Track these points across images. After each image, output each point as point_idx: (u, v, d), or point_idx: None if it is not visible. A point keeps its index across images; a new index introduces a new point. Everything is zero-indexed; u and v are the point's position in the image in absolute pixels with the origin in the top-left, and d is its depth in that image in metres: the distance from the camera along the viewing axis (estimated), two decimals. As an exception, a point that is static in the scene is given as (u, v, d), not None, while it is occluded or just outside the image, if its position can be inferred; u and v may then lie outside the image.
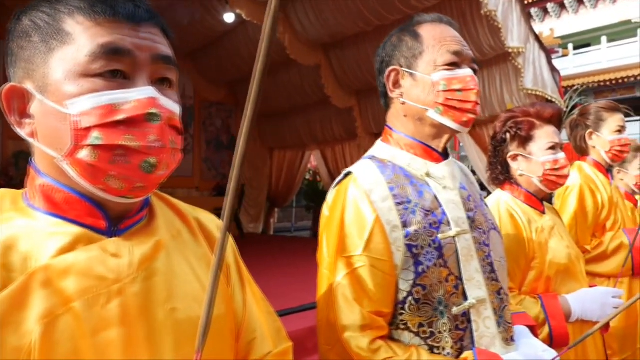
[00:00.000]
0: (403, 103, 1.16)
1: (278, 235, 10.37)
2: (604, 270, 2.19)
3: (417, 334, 1.03)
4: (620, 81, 16.05)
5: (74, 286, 0.63)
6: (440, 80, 1.11)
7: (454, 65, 1.12)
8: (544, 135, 1.61)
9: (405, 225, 1.04)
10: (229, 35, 8.37)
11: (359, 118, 7.83)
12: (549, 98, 5.65)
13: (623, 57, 16.98)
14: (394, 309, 1.04)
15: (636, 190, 2.94)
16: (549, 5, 20.51)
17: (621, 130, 2.32)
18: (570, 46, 18.62)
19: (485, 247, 1.12)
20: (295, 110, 9.12)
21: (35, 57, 0.67)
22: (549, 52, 5.77)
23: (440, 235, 1.05)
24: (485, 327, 1.06)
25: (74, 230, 0.67)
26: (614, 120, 2.33)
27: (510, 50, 5.46)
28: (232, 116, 10.67)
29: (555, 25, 19.48)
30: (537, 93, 5.58)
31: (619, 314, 1.44)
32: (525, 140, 1.64)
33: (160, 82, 0.72)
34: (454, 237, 1.07)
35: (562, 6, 20.39)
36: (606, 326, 1.74)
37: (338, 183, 1.13)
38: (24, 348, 0.59)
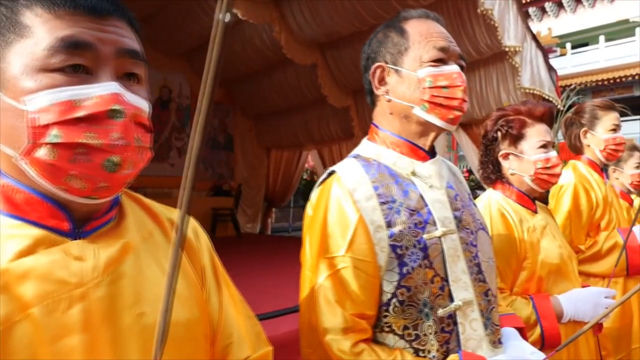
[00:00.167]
0: (389, 100, 1.13)
1: (275, 235, 10.35)
2: (598, 270, 2.16)
3: (401, 337, 1.00)
4: (618, 80, 16.04)
5: (32, 291, 0.61)
6: (426, 77, 1.08)
7: (440, 61, 1.09)
8: (535, 133, 1.59)
9: (389, 225, 1.02)
10: (225, 35, 8.30)
11: (356, 117, 7.81)
12: (546, 97, 5.63)
13: (621, 56, 16.97)
14: (378, 311, 1.01)
15: (632, 190, 2.92)
16: (547, 5, 20.51)
17: (616, 128, 2.30)
18: (568, 45, 18.61)
19: (472, 248, 1.09)
20: (292, 109, 9.09)
21: None
22: (545, 51, 5.75)
23: (425, 236, 1.03)
24: (471, 329, 1.03)
25: (35, 232, 0.65)
26: (608, 119, 2.30)
27: (506, 49, 5.44)
28: (229, 116, 10.64)
29: (553, 25, 19.46)
30: (535, 92, 5.56)
31: (608, 313, 1.41)
32: (516, 138, 1.61)
33: (126, 78, 0.69)
34: (439, 237, 1.04)
35: (560, 5, 20.38)
36: (599, 326, 1.71)
37: (322, 182, 1.11)
38: None
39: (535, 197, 1.72)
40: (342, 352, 0.95)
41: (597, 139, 2.31)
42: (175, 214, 0.86)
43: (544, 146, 1.59)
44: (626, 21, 18.36)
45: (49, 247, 0.64)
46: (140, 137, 0.67)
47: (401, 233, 1.01)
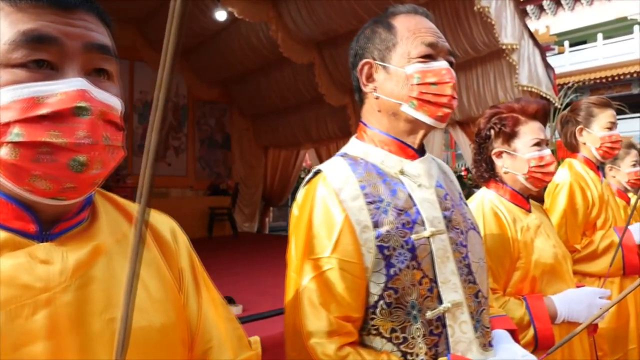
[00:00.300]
0: (377, 97, 1.11)
1: (273, 234, 10.32)
2: (595, 269, 2.14)
3: (389, 340, 0.98)
4: (616, 78, 16.01)
5: None
6: (414, 73, 1.05)
7: (428, 57, 1.07)
8: (529, 131, 1.56)
9: (376, 225, 0.99)
10: (222, 34, 8.33)
11: (353, 116, 7.78)
12: (544, 95, 5.61)
13: (619, 54, 16.94)
14: (364, 313, 0.99)
15: (628, 188, 2.90)
16: (545, 3, 20.48)
17: (612, 126, 2.27)
18: (566, 43, 18.58)
19: (462, 248, 1.07)
20: (290, 108, 9.08)
21: None
22: (543, 49, 5.73)
23: (413, 236, 1.00)
24: (461, 332, 1.01)
25: None
26: (604, 116, 2.27)
27: (504, 47, 5.41)
28: (226, 115, 10.61)
29: (551, 23, 19.45)
30: (532, 90, 5.54)
31: (602, 314, 1.39)
32: (509, 136, 1.59)
33: (95, 74, 0.66)
34: (428, 237, 1.01)
35: (558, 3, 20.35)
36: (593, 327, 1.69)
37: (307, 182, 1.08)
38: None
39: (531, 196, 1.69)
40: (327, 355, 0.92)
41: (593, 137, 2.28)
42: (154, 215, 0.83)
43: (537, 144, 1.56)
44: (624, 19, 18.34)
45: (14, 250, 0.62)
46: (109, 136, 0.64)
47: (388, 233, 0.99)
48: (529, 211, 1.63)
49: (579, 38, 19.44)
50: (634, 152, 2.89)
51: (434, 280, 1.00)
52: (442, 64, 1.07)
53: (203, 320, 0.80)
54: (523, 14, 5.68)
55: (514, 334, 1.18)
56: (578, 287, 1.61)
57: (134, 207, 0.81)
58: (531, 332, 1.43)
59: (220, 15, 7.46)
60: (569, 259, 1.65)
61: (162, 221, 0.83)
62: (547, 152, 1.56)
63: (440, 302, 1.00)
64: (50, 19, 0.61)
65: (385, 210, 1.01)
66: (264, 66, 8.69)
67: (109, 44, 0.68)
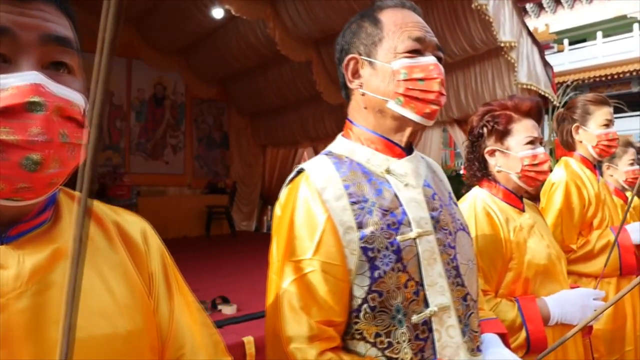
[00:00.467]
0: (363, 94, 1.07)
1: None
2: (591, 270, 2.11)
3: (373, 345, 0.94)
4: (616, 76, 15.96)
5: None
6: (401, 69, 1.02)
7: (415, 52, 1.03)
8: (522, 129, 1.53)
9: (360, 226, 0.96)
10: (219, 32, 8.30)
11: (351, 114, 7.74)
12: (542, 93, 5.57)
13: (618, 53, 16.89)
14: (348, 317, 0.95)
15: (626, 187, 2.86)
16: (544, 1, 20.42)
17: (609, 124, 2.23)
18: (566, 41, 18.52)
19: (450, 250, 1.03)
20: (288, 107, 9.05)
21: None
22: (541, 47, 5.70)
23: (399, 237, 0.97)
24: (448, 336, 0.97)
25: None
26: (601, 114, 2.24)
27: (502, 45, 5.38)
28: (224, 113, 10.57)
29: (550, 21, 19.38)
30: (531, 87, 5.51)
31: (597, 316, 1.36)
32: (502, 134, 1.55)
33: (54, 67, 0.63)
34: (414, 238, 0.98)
35: (557, 1, 20.29)
36: (588, 329, 1.66)
37: (290, 181, 1.05)
38: None
39: (527, 195, 1.66)
40: None
41: (589, 135, 2.25)
42: (123, 215, 0.79)
43: (531, 142, 1.53)
44: (624, 17, 18.28)
45: None
46: (67, 133, 0.60)
47: (373, 234, 0.95)
48: (523, 211, 1.59)
49: (579, 36, 19.38)
50: (631, 150, 2.86)
51: (420, 283, 0.97)
52: (429, 59, 1.03)
53: (175, 326, 0.77)
54: (522, 12, 5.64)
55: (504, 338, 1.14)
56: (572, 288, 1.58)
57: (103, 209, 0.77)
58: (523, 334, 1.39)
59: (218, 13, 7.43)
60: (563, 259, 1.61)
61: (132, 222, 0.79)
62: (540, 150, 1.53)
63: (427, 305, 0.97)
64: (3, 9, 0.58)
65: (370, 210, 0.98)
66: (262, 64, 8.66)
67: (70, 36, 0.65)
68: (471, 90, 6.18)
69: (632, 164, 2.81)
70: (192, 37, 8.57)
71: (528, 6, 20.31)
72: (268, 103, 9.38)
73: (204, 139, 10.32)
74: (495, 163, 1.58)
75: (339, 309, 0.94)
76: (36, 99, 0.57)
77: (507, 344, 1.14)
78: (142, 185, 9.08)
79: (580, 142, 2.29)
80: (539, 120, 1.56)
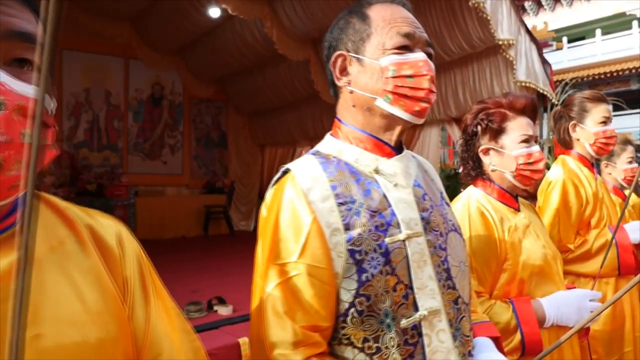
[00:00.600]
0: (351, 92, 1.05)
1: (270, 232, 10.26)
2: (589, 270, 2.07)
3: (361, 350, 0.92)
4: (615, 74, 15.92)
5: None
6: (389, 66, 0.99)
7: (404, 48, 1.00)
8: (517, 127, 1.50)
9: (347, 228, 0.93)
10: (216, 31, 8.28)
11: (349, 113, 7.72)
12: (541, 91, 5.55)
13: (618, 50, 16.85)
14: (335, 321, 0.92)
15: (624, 185, 2.83)
16: (543, -2, 20.40)
17: (606, 121, 2.20)
18: (565, 39, 18.48)
19: (441, 251, 1.00)
20: (286, 106, 9.04)
21: None
22: (539, 44, 5.67)
23: (387, 239, 0.94)
24: (438, 341, 0.95)
25: None
26: (598, 111, 2.20)
27: (500, 43, 5.35)
28: (222, 113, 10.55)
29: (549, 19, 19.34)
30: (530, 85, 5.49)
31: (594, 318, 1.33)
32: (497, 132, 1.52)
33: (17, 64, 0.60)
34: (403, 240, 0.95)
35: (556, -1, 20.28)
36: (585, 331, 1.63)
37: (276, 181, 1.02)
38: None
39: (526, 193, 1.63)
40: None
41: (586, 133, 2.22)
42: (98, 219, 0.76)
43: (526, 140, 1.50)
44: (623, 14, 18.24)
45: None
46: (29, 133, 0.57)
47: (360, 236, 0.92)
48: (518, 210, 1.56)
49: (578, 34, 19.34)
50: (630, 148, 2.83)
51: (409, 286, 0.94)
52: (419, 56, 1.00)
53: (151, 332, 0.74)
54: (520, 10, 5.61)
55: (497, 342, 1.11)
56: (569, 288, 1.55)
57: (76, 212, 0.74)
58: (518, 337, 1.36)
59: (214, 12, 7.41)
60: (559, 259, 1.58)
61: (107, 225, 0.76)
62: (535, 148, 1.50)
63: (416, 309, 0.94)
64: None
65: (357, 211, 0.95)
66: (259, 64, 8.64)
67: (34, 32, 0.62)
68: (469, 88, 6.15)
69: (630, 162, 2.78)
70: (189, 37, 8.55)
71: (527, 4, 20.29)
72: (266, 102, 9.36)
73: (202, 138, 10.30)
74: (489, 162, 1.55)
75: (325, 313, 0.91)
76: None
77: (500, 348, 1.11)
78: (140, 185, 9.06)
79: (578, 140, 2.26)
80: (533, 117, 1.53)
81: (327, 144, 1.09)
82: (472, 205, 1.50)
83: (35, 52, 0.60)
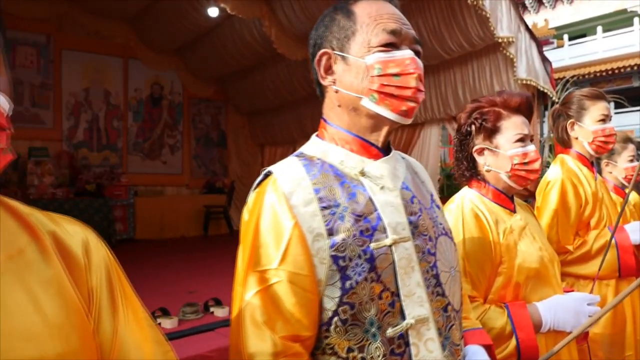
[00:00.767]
0: (336, 91, 1.01)
1: (270, 232, 10.23)
2: (588, 271, 2.03)
3: None
4: (616, 71, 15.84)
5: None
6: (375, 64, 0.95)
7: (391, 46, 0.96)
8: (512, 126, 1.45)
9: (331, 233, 0.89)
10: (215, 31, 8.26)
11: (349, 112, 7.68)
12: (541, 89, 5.51)
13: (619, 47, 16.77)
14: (318, 331, 0.89)
15: (626, 184, 2.78)
16: (544, -4, 20.31)
17: (605, 119, 2.15)
18: (566, 37, 18.40)
19: (430, 257, 0.96)
20: (285, 105, 9.01)
21: None
22: (539, 42, 5.62)
23: (373, 245, 0.90)
24: (427, 350, 0.91)
25: None
26: (597, 109, 2.16)
27: (500, 40, 5.31)
28: (221, 112, 10.53)
29: (549, 16, 19.25)
30: (531, 83, 5.45)
31: (594, 322, 1.29)
32: (491, 132, 1.48)
33: None
34: (390, 246, 0.91)
35: (557, -4, 20.19)
36: (583, 335, 1.59)
37: (258, 184, 0.98)
38: None
39: (527, 192, 1.58)
40: None
41: (585, 131, 2.17)
42: (63, 225, 0.72)
43: (521, 140, 1.45)
44: (624, 11, 18.15)
45: None
46: None
47: (344, 242, 0.88)
48: (514, 211, 1.52)
49: (579, 31, 19.25)
50: (631, 146, 2.78)
51: (396, 294, 0.90)
52: (405, 53, 0.96)
53: (119, 345, 0.70)
54: (520, 8, 5.57)
55: (490, 350, 1.07)
56: (566, 292, 1.51)
57: (39, 218, 0.71)
58: (513, 342, 1.32)
59: (213, 11, 7.39)
60: (557, 262, 1.54)
61: (73, 232, 0.72)
62: (531, 148, 1.46)
63: (403, 317, 0.90)
64: None
65: (341, 216, 0.91)
66: (258, 63, 8.62)
67: None
68: (469, 86, 6.11)
69: (631, 161, 2.73)
70: (188, 36, 8.53)
71: (527, 2, 20.20)
72: (265, 102, 9.34)
73: (202, 138, 10.28)
74: (484, 162, 1.51)
75: (307, 322, 0.87)
76: None
77: (492, 356, 1.07)
78: (140, 185, 9.04)
79: (576, 138, 2.21)
80: (529, 116, 1.49)
81: (312, 146, 1.05)
82: (466, 207, 1.46)
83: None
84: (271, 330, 0.84)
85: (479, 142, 1.51)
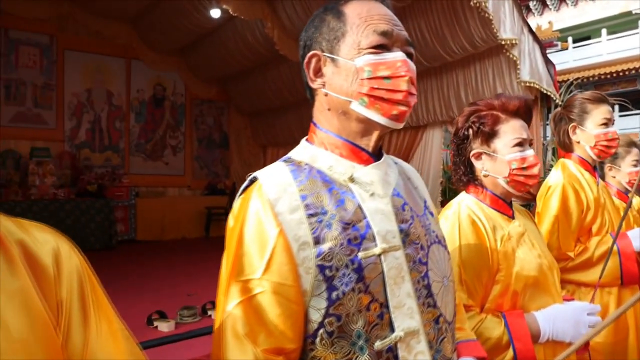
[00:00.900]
0: (326, 94, 0.97)
1: (272, 234, 10.22)
2: (590, 279, 1.98)
3: None
4: (621, 74, 15.76)
5: None
6: (365, 66, 0.92)
7: (381, 47, 0.93)
8: (510, 130, 1.42)
9: (317, 241, 0.86)
10: (218, 32, 8.26)
11: (351, 114, 7.66)
12: (544, 91, 5.47)
13: (624, 50, 16.68)
14: (303, 343, 0.85)
15: (629, 189, 2.73)
16: (548, -2, 20.24)
17: (608, 123, 2.11)
18: (570, 39, 18.33)
19: (421, 266, 0.93)
20: (287, 106, 9.00)
21: None
22: (542, 45, 5.58)
23: (361, 254, 0.86)
24: (417, 364, 0.87)
25: None
26: (599, 112, 2.11)
27: (503, 42, 5.27)
28: (223, 113, 10.52)
29: (554, 18, 19.17)
30: (534, 85, 5.41)
31: (596, 333, 1.25)
32: (489, 136, 1.44)
33: None
34: (379, 255, 0.87)
35: (562, -2, 20.12)
36: (584, 345, 1.54)
37: (243, 190, 0.95)
38: None
39: (529, 196, 1.54)
40: None
41: (587, 135, 2.12)
42: (33, 233, 0.69)
43: (519, 144, 1.41)
44: (629, 13, 18.06)
45: None
46: None
47: (331, 251, 0.85)
48: (512, 217, 1.48)
49: (583, 34, 19.17)
50: (635, 150, 2.73)
51: (385, 305, 0.87)
52: (397, 55, 0.93)
53: (89, 358, 0.67)
54: (524, 9, 5.53)
55: (484, 363, 1.04)
56: (566, 300, 1.47)
57: (7, 226, 0.67)
58: (510, 353, 1.28)
59: (215, 12, 7.39)
60: (556, 270, 1.50)
61: (43, 241, 0.69)
62: (529, 152, 1.42)
63: (392, 330, 0.86)
64: None
65: (328, 223, 0.87)
66: (260, 64, 8.61)
67: None
68: (472, 89, 6.08)
69: (635, 165, 2.68)
70: (190, 37, 8.54)
71: (531, 3, 20.13)
72: (267, 103, 9.33)
73: (204, 139, 10.27)
74: (481, 167, 1.47)
75: (292, 334, 0.83)
76: None
77: (487, 368, 1.03)
78: (142, 186, 9.04)
79: (578, 142, 2.17)
80: (528, 120, 1.45)
81: (301, 150, 1.02)
82: (462, 213, 1.42)
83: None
84: (253, 343, 0.81)
85: (476, 147, 1.47)
